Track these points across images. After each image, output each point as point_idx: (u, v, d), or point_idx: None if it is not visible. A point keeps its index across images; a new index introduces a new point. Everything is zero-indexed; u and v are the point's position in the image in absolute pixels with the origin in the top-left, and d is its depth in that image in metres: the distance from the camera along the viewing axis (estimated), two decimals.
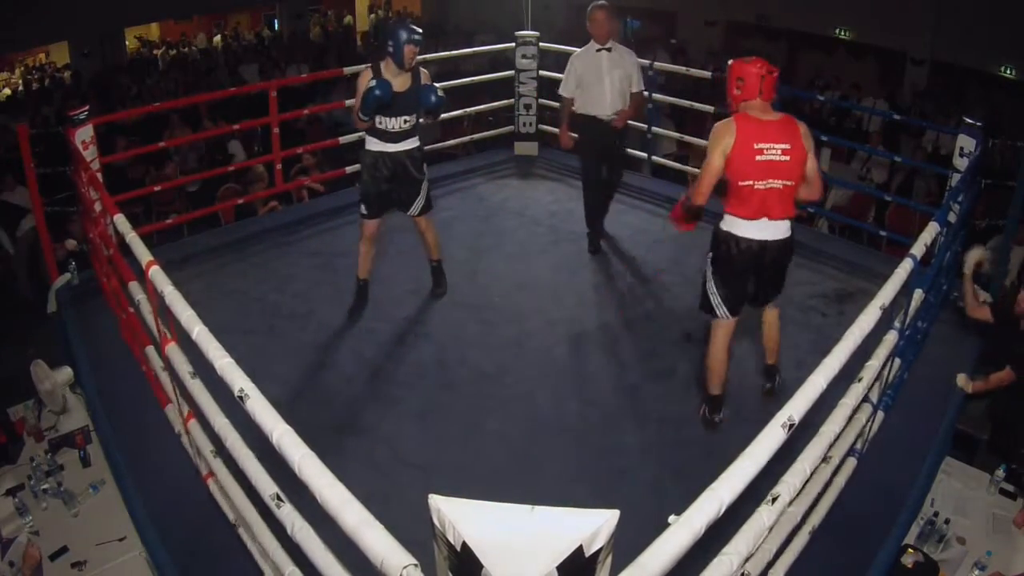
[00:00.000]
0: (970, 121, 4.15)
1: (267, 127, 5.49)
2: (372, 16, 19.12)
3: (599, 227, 5.03)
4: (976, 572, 2.81)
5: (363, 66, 4.01)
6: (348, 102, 4.63)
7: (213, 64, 13.31)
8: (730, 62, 3.08)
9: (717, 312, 3.25)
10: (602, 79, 4.54)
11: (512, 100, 6.49)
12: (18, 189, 6.79)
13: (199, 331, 2.17)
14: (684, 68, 6.65)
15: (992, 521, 3.10)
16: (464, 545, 1.28)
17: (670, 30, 14.26)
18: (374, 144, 3.97)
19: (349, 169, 5.97)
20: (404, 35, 3.73)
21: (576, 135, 4.77)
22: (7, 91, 12.99)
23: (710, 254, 3.25)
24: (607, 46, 4.57)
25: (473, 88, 6.86)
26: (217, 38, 16.73)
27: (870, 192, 6.74)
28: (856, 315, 2.28)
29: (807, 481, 1.97)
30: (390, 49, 3.75)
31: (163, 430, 3.15)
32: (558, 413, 3.51)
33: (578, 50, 4.71)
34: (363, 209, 4.10)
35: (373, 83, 3.64)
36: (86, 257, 4.72)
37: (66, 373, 3.65)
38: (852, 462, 2.90)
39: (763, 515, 1.70)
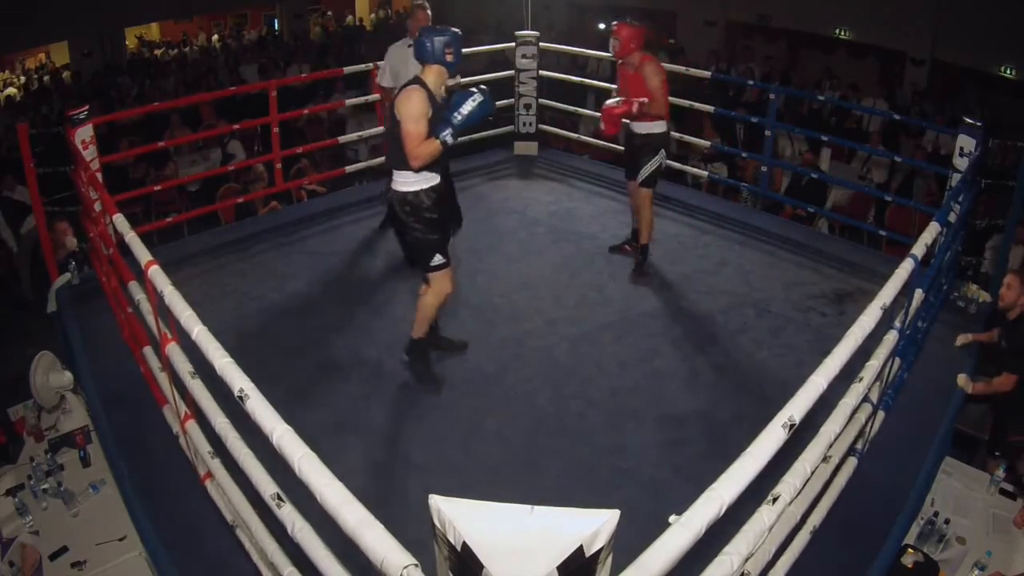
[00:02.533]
0: (970, 121, 4.16)
1: (267, 127, 5.49)
2: (373, 16, 19.13)
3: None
4: (976, 572, 2.81)
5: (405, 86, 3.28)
6: (411, 129, 3.13)
7: (213, 64, 13.31)
8: (616, 25, 4.35)
9: (656, 184, 4.61)
10: (408, 71, 4.59)
11: (512, 100, 6.49)
12: (18, 189, 6.78)
13: (199, 331, 2.18)
14: (684, 68, 6.65)
15: (992, 521, 3.10)
16: (464, 545, 1.28)
17: (670, 30, 14.25)
18: (427, 178, 3.31)
19: (349, 168, 6.00)
20: (459, 38, 3.24)
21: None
22: (12, 90, 12.98)
23: (662, 150, 4.49)
24: None
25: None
26: (215, 37, 16.74)
27: (870, 192, 6.74)
28: (856, 315, 2.29)
29: (807, 481, 1.97)
30: (448, 57, 3.21)
31: (163, 430, 3.16)
32: (558, 413, 3.51)
33: (392, 45, 4.95)
34: (439, 260, 3.42)
35: (480, 94, 3.14)
36: (86, 257, 4.72)
37: (66, 378, 3.64)
38: (852, 462, 2.90)
39: (763, 515, 1.70)
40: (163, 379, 2.95)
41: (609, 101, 4.44)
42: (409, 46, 4.78)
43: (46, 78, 13.24)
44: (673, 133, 6.72)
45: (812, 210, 6.07)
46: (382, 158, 6.05)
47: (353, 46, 14.84)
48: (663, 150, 4.50)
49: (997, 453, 3.59)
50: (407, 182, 3.29)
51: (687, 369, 3.81)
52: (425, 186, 3.31)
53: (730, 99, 9.64)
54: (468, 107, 3.12)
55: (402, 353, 3.69)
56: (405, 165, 3.22)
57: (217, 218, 6.22)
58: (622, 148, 6.70)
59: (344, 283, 4.62)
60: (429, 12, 4.86)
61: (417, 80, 3.21)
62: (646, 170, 4.48)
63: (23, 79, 13.69)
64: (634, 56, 4.36)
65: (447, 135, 3.13)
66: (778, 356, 3.89)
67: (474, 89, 3.21)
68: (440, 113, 3.19)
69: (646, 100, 4.27)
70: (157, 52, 15.62)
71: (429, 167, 3.26)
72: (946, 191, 4.32)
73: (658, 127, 4.46)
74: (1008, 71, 10.01)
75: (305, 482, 1.62)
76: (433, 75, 3.24)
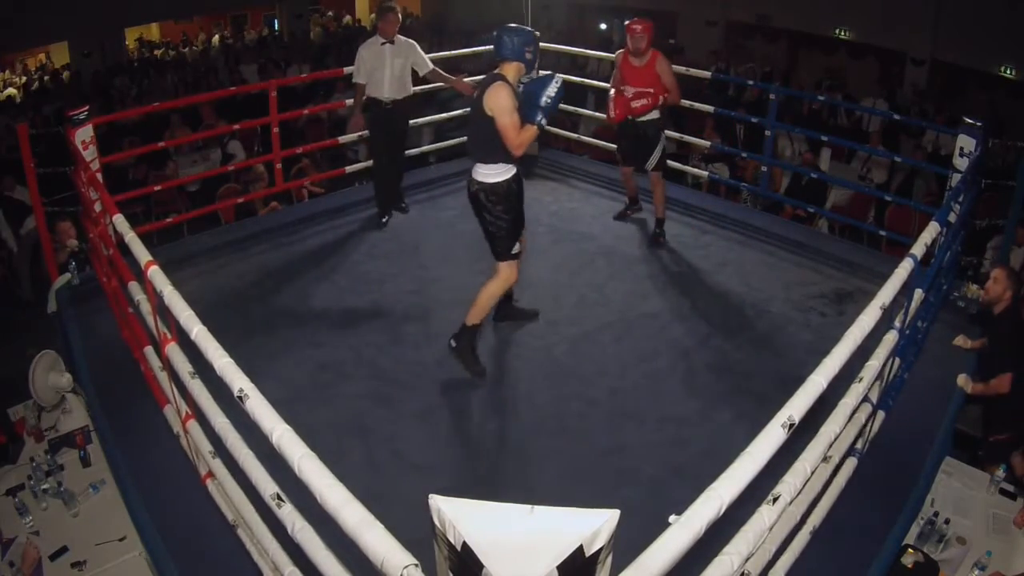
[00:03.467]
0: (970, 121, 4.15)
1: (267, 127, 5.50)
2: (373, 16, 19.15)
3: (390, 196, 5.51)
4: (976, 572, 2.81)
5: (492, 84, 3.40)
6: (505, 121, 3.32)
7: (213, 64, 13.32)
8: (635, 22, 4.67)
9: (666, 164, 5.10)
10: (384, 67, 5.08)
11: None
12: (18, 189, 6.79)
13: (198, 331, 2.18)
14: (684, 68, 6.65)
15: (992, 521, 3.10)
16: (464, 545, 1.28)
17: (670, 30, 14.26)
18: (510, 168, 3.53)
19: (349, 169, 6.00)
20: (537, 38, 3.49)
21: (367, 116, 5.29)
22: (10, 91, 12.98)
23: (663, 133, 4.95)
24: (391, 40, 5.06)
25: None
26: (216, 38, 16.74)
27: (870, 192, 6.74)
28: (856, 315, 2.28)
29: (807, 481, 1.97)
30: (528, 55, 3.45)
31: (163, 430, 3.16)
32: (558, 413, 3.51)
33: (363, 44, 5.17)
34: (517, 248, 3.67)
35: (557, 77, 3.35)
36: (86, 257, 4.73)
37: (65, 379, 3.64)
38: (852, 462, 2.90)
39: (763, 515, 1.70)
40: (164, 379, 2.95)
41: (626, 92, 4.78)
42: (383, 44, 5.06)
43: (46, 79, 13.24)
44: (672, 133, 6.79)
45: (812, 210, 6.07)
46: None
47: (352, 45, 14.86)
48: (663, 132, 4.99)
49: (980, 452, 3.61)
50: (494, 172, 3.51)
51: (687, 369, 3.81)
52: (510, 175, 3.55)
53: (730, 99, 9.64)
54: (553, 89, 3.34)
55: (450, 339, 3.73)
56: (494, 157, 3.46)
57: (217, 218, 6.22)
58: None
59: (344, 283, 4.62)
60: (399, 14, 5.13)
61: (498, 76, 3.43)
62: (656, 155, 4.92)
63: (23, 79, 13.69)
64: (646, 51, 4.76)
65: (541, 119, 3.35)
66: (778, 356, 3.90)
67: (548, 72, 3.47)
68: (519, 103, 3.41)
69: (665, 96, 4.77)
70: (157, 52, 15.63)
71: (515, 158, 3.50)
72: (946, 191, 4.32)
73: (656, 114, 4.86)
74: (1008, 71, 10.01)
75: (305, 482, 1.62)
76: (513, 71, 3.47)
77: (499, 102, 3.33)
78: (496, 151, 3.43)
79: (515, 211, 3.62)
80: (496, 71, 3.48)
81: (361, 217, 5.51)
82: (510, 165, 3.53)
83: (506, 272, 3.66)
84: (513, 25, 3.51)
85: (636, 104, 4.73)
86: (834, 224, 6.61)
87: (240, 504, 2.45)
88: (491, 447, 3.29)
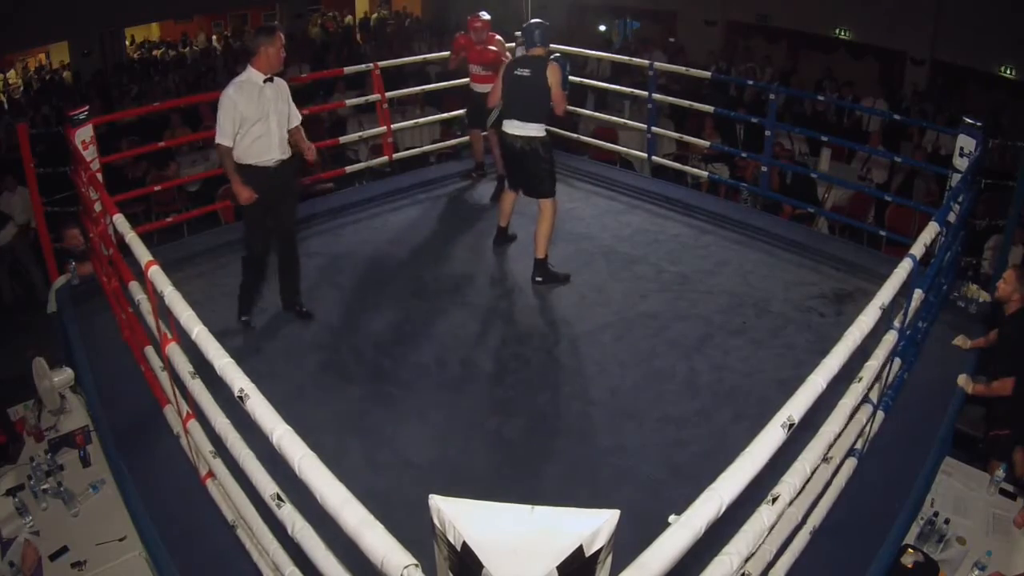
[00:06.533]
0: (970, 121, 4.15)
1: None
2: (374, 16, 19.15)
3: (258, 293, 4.16)
4: (976, 572, 2.81)
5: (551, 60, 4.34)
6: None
7: (213, 64, 13.32)
8: (481, 17, 5.56)
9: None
10: (269, 116, 3.70)
11: None
12: (18, 190, 6.80)
13: (199, 331, 2.18)
14: (684, 68, 6.66)
15: (992, 521, 3.10)
16: (464, 545, 1.28)
17: (670, 30, 14.26)
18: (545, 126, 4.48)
19: (349, 169, 6.00)
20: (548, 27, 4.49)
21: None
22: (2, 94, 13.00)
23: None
24: (272, 76, 3.75)
25: None
26: (215, 37, 16.75)
27: (870, 192, 6.74)
28: (856, 315, 2.28)
29: (807, 481, 1.97)
30: (549, 42, 4.47)
31: (163, 430, 3.16)
32: (558, 413, 3.51)
33: (233, 85, 3.70)
34: (555, 187, 4.56)
35: (565, 57, 4.38)
36: (86, 257, 4.73)
37: (66, 375, 3.64)
38: (852, 462, 2.89)
39: (763, 515, 1.70)
40: (164, 379, 2.95)
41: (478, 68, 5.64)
42: (266, 81, 3.72)
43: (48, 78, 13.23)
44: (672, 133, 6.80)
45: (812, 210, 6.07)
46: (383, 158, 6.08)
47: (352, 44, 14.85)
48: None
49: (980, 446, 3.62)
50: (541, 129, 4.43)
51: (687, 369, 3.81)
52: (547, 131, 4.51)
53: (730, 99, 9.64)
54: (568, 65, 4.36)
55: (533, 278, 4.56)
56: (542, 118, 4.41)
57: (217, 218, 6.22)
58: (622, 148, 6.75)
59: (344, 283, 4.62)
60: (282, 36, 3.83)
61: (542, 57, 4.35)
62: (492, 116, 5.37)
63: (22, 80, 13.67)
64: (485, 34, 5.59)
65: (568, 85, 4.39)
66: (778, 356, 3.89)
67: (557, 53, 4.49)
68: None
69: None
70: (157, 52, 15.63)
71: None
72: (946, 191, 4.32)
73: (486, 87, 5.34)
74: (1008, 71, 10.02)
75: (305, 482, 1.62)
76: (543, 53, 4.41)
77: (558, 76, 4.29)
78: (544, 113, 4.40)
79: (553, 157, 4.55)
80: (529, 55, 4.42)
81: (361, 217, 5.51)
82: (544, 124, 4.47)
83: (553, 206, 4.50)
84: (537, 20, 4.46)
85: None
86: (834, 224, 6.61)
87: (240, 504, 2.44)
88: (491, 447, 3.29)
